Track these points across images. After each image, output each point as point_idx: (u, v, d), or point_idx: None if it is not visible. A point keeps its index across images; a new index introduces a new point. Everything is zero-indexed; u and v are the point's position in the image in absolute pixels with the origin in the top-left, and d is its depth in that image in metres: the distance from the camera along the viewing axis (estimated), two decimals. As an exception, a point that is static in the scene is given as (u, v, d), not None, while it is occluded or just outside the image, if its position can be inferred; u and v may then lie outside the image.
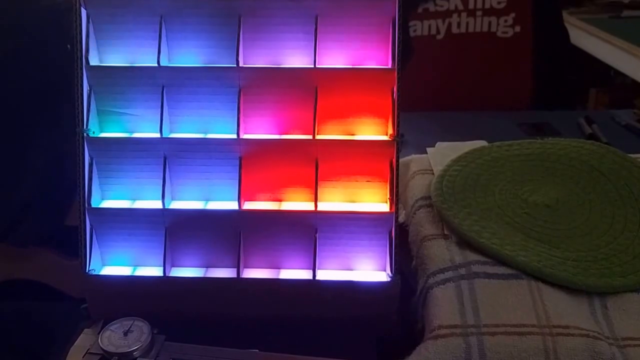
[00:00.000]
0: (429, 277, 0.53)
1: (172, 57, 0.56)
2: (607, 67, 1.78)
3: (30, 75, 0.66)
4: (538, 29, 1.36)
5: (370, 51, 0.56)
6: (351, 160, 0.55)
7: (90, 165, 0.55)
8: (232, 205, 0.55)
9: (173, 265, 0.57)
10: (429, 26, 1.35)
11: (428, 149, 0.69)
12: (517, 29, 1.36)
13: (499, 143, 0.67)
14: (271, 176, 0.56)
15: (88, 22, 0.54)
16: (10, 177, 0.66)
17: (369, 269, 0.56)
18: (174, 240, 0.56)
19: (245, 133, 0.56)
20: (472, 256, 0.54)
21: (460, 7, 1.34)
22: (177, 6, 0.54)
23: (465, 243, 0.55)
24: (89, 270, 0.55)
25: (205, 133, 0.57)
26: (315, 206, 0.54)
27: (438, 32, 1.36)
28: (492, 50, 1.37)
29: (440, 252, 0.55)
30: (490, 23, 1.35)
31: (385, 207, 0.55)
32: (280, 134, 0.57)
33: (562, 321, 0.48)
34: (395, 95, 0.54)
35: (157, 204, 0.55)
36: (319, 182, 0.54)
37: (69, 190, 0.59)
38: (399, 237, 0.53)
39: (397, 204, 0.53)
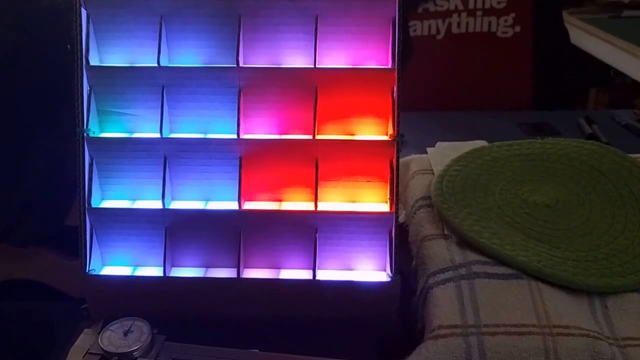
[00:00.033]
0: (429, 277, 0.53)
1: (172, 57, 0.56)
2: (607, 67, 1.78)
3: (30, 75, 0.65)
4: (538, 29, 1.36)
5: (370, 51, 0.56)
6: (351, 160, 0.55)
7: (90, 165, 0.55)
8: (232, 205, 0.55)
9: (173, 265, 0.57)
10: (429, 26, 1.35)
11: (428, 149, 0.69)
12: (517, 29, 1.36)
13: (499, 143, 0.67)
14: (271, 176, 0.56)
15: (88, 22, 0.54)
16: (10, 177, 0.66)
17: (369, 269, 0.56)
18: (174, 240, 0.56)
19: (245, 133, 0.56)
20: (472, 256, 0.54)
21: (460, 7, 1.34)
22: (177, 6, 0.54)
23: (465, 243, 0.55)
24: (89, 270, 0.55)
25: (205, 133, 0.57)
26: (316, 206, 0.54)
27: (438, 32, 1.36)
28: (492, 50, 1.37)
29: (440, 252, 0.55)
30: (490, 23, 1.35)
31: (385, 207, 0.55)
32: (280, 134, 0.57)
33: (562, 321, 0.48)
34: (395, 95, 0.54)
35: (157, 204, 0.55)
36: (319, 182, 0.54)
37: (69, 190, 0.59)
38: (399, 237, 0.53)
39: (397, 204, 0.53)
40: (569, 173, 0.62)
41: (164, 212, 0.55)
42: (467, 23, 1.35)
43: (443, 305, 0.50)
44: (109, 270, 0.57)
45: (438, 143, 0.70)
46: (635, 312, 0.50)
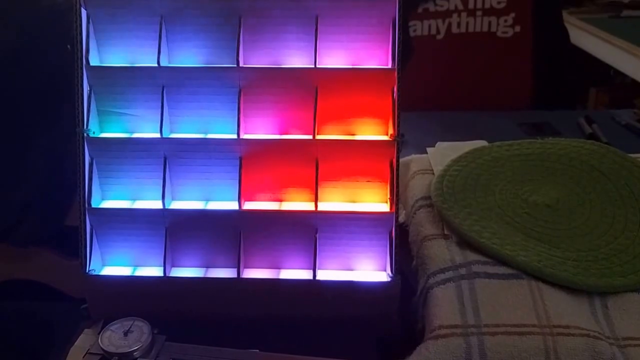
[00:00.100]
0: (429, 277, 0.53)
1: (172, 57, 0.56)
2: (607, 67, 1.78)
3: (30, 75, 0.65)
4: (538, 29, 1.36)
5: (370, 51, 0.56)
6: (351, 160, 0.55)
7: (91, 165, 0.55)
8: (232, 205, 0.55)
9: (173, 266, 0.57)
10: (429, 26, 1.35)
11: (428, 149, 0.69)
12: (517, 29, 1.36)
13: (499, 143, 0.67)
14: (271, 176, 0.56)
15: (88, 22, 0.54)
16: (10, 177, 0.66)
17: (369, 269, 0.56)
18: (174, 240, 0.56)
19: (246, 133, 0.56)
20: (473, 256, 0.54)
21: (460, 7, 1.34)
22: (177, 6, 0.54)
23: (465, 243, 0.55)
24: (89, 271, 0.55)
25: (206, 133, 0.57)
26: (316, 206, 0.54)
27: (438, 32, 1.36)
28: (492, 50, 1.37)
29: (440, 252, 0.55)
30: (490, 23, 1.35)
31: (385, 207, 0.55)
32: (281, 134, 0.57)
33: (562, 321, 0.48)
34: (395, 95, 0.54)
35: (157, 204, 0.55)
36: (319, 182, 0.54)
37: (69, 190, 0.59)
38: (399, 237, 0.53)
39: (397, 204, 0.53)
40: (569, 173, 0.62)
41: (164, 212, 0.55)
42: (467, 23, 1.35)
43: (443, 305, 0.50)
44: (109, 271, 0.57)
45: (438, 143, 0.70)
46: (635, 312, 0.50)
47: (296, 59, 0.56)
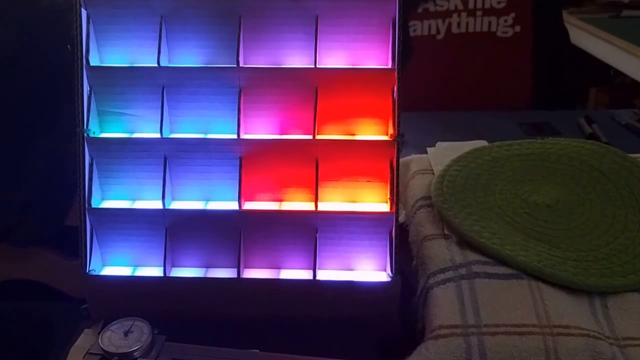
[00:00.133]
0: (429, 277, 0.53)
1: (172, 57, 0.56)
2: (607, 67, 1.78)
3: (30, 75, 0.65)
4: (538, 29, 1.36)
5: (370, 51, 0.56)
6: (351, 160, 0.55)
7: (91, 165, 0.55)
8: (233, 205, 0.55)
9: (173, 266, 0.57)
10: (429, 26, 1.35)
11: (428, 149, 0.69)
12: (517, 29, 1.36)
13: (499, 143, 0.67)
14: (271, 176, 0.56)
15: (88, 22, 0.54)
16: (10, 177, 0.66)
17: (369, 269, 0.56)
18: (174, 241, 0.56)
19: (246, 133, 0.56)
20: (473, 256, 0.54)
21: (460, 7, 1.34)
22: (177, 6, 0.54)
23: (465, 243, 0.55)
24: (89, 271, 0.55)
25: (206, 133, 0.57)
26: (316, 206, 0.54)
27: (438, 32, 1.36)
28: (492, 50, 1.37)
29: (440, 252, 0.55)
30: (490, 23, 1.35)
31: (385, 207, 0.55)
32: (281, 134, 0.57)
33: (562, 321, 0.48)
34: (395, 95, 0.54)
35: (157, 204, 0.55)
36: (319, 182, 0.54)
37: (69, 190, 0.59)
38: (399, 237, 0.53)
39: (397, 204, 0.53)
40: (569, 173, 0.62)
41: (164, 212, 0.55)
42: (467, 23, 1.35)
43: (443, 305, 0.50)
44: (109, 271, 0.57)
45: (438, 143, 0.70)
46: (635, 312, 0.50)
47: (296, 59, 0.56)
